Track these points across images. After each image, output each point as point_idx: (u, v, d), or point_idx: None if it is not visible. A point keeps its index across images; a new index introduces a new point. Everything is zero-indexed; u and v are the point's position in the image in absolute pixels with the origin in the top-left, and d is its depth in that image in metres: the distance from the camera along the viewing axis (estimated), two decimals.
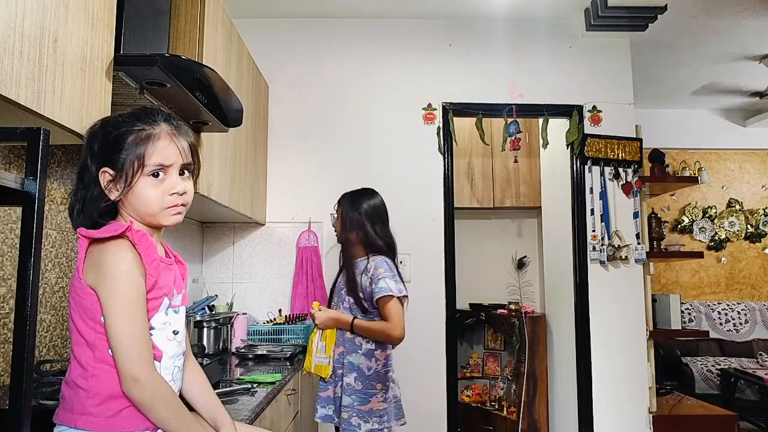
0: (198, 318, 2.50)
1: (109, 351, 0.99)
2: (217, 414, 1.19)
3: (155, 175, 1.04)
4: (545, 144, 3.32)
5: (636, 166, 3.29)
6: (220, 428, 1.17)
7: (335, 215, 2.27)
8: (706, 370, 4.70)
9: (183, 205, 1.08)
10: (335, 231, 2.29)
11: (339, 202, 2.25)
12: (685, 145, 5.13)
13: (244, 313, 2.80)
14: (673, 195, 5.47)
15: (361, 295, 2.10)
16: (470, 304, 4.19)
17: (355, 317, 2.11)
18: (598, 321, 3.19)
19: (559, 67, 3.34)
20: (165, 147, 1.05)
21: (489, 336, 4.16)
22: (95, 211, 1.04)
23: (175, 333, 1.09)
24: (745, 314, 5.22)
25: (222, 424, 1.18)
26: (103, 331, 0.99)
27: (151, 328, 1.04)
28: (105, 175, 1.03)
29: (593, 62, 3.35)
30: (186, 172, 1.09)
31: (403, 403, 2.21)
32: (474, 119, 3.29)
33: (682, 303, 5.02)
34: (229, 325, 2.65)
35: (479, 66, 3.33)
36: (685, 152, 5.22)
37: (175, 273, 1.12)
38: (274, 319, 2.97)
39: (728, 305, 5.27)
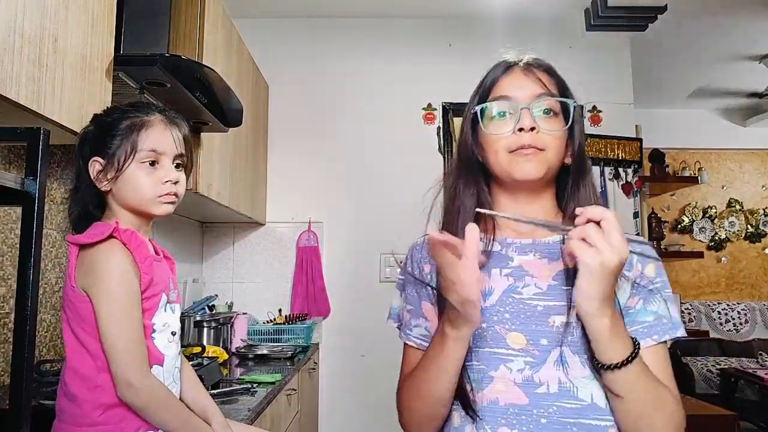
0: (198, 318, 2.49)
1: None
2: (207, 408, 1.19)
3: (151, 164, 1.04)
4: None
5: (636, 166, 3.29)
6: (210, 421, 1.18)
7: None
8: (706, 370, 4.69)
9: (176, 195, 1.07)
10: None
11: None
12: (685, 145, 5.13)
13: (244, 313, 2.80)
14: (673, 195, 5.46)
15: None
16: None
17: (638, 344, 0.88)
18: None
19: (559, 67, 3.28)
20: (159, 134, 1.04)
21: None
22: (86, 208, 1.05)
23: (173, 334, 1.10)
24: (745, 314, 5.22)
25: (212, 415, 1.19)
26: None
27: (153, 332, 1.04)
28: (95, 165, 1.02)
29: (593, 62, 3.34)
30: (180, 165, 1.08)
31: None
32: None
33: (682, 303, 5.02)
34: (229, 325, 2.65)
35: (479, 66, 3.28)
36: (685, 152, 5.22)
37: (167, 269, 1.12)
38: (274, 319, 2.97)
39: (728, 305, 5.27)
